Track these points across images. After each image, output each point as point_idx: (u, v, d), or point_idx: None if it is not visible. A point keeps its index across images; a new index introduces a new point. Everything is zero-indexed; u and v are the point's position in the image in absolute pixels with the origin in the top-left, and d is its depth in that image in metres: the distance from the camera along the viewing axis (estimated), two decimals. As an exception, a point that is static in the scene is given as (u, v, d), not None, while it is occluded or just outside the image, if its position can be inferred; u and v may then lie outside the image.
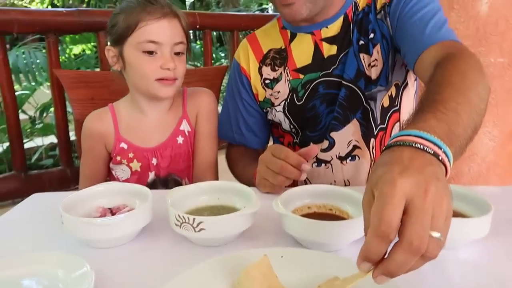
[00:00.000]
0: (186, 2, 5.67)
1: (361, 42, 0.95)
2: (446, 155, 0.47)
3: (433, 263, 0.54)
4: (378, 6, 0.95)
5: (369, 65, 0.95)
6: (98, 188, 0.74)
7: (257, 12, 10.44)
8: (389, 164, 0.44)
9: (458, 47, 0.77)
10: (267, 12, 11.49)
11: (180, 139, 1.06)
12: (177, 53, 0.97)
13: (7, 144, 2.24)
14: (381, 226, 0.39)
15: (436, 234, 0.40)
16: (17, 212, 0.81)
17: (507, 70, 1.45)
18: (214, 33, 4.45)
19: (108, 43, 1.00)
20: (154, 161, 1.05)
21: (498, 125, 1.51)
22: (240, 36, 2.39)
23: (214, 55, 4.79)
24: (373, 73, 0.95)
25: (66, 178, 1.85)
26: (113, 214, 0.70)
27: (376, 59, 0.95)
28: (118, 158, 1.04)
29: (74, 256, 0.56)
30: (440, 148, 0.47)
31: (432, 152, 0.46)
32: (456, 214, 0.64)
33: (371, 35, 0.95)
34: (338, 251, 0.61)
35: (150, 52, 0.93)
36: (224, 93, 1.27)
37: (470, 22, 1.43)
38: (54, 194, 0.89)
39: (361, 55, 0.95)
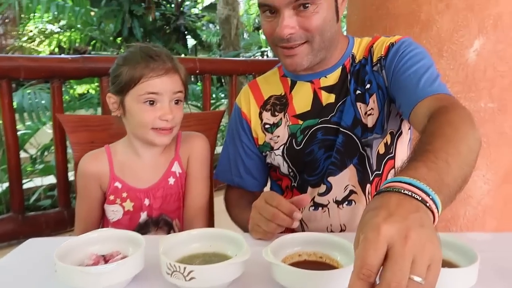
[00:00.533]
0: (188, 45, 5.87)
1: (358, 91, 1.00)
2: (434, 202, 0.49)
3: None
4: (375, 59, 1.00)
5: (365, 113, 0.99)
6: (92, 235, 0.75)
7: (257, 55, 10.78)
8: (376, 209, 0.47)
9: (451, 100, 0.82)
10: (267, 54, 11.88)
11: (171, 180, 1.09)
12: (175, 102, 1.02)
13: (6, 184, 2.25)
14: (363, 269, 0.43)
15: (417, 279, 0.42)
16: (13, 258, 0.81)
17: (497, 115, 1.49)
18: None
19: (110, 91, 1.05)
20: (146, 201, 1.07)
21: (492, 168, 1.53)
22: (241, 79, 2.47)
23: (214, 95, 4.91)
24: (370, 121, 0.99)
25: (63, 220, 1.85)
26: (106, 261, 0.70)
27: (372, 108, 0.99)
28: (112, 197, 1.06)
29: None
30: (428, 195, 0.49)
31: (420, 199, 0.48)
32: (443, 263, 0.65)
33: (368, 86, 1.00)
34: (327, 300, 0.62)
35: (151, 102, 0.98)
36: (221, 136, 1.30)
37: (459, 69, 1.49)
38: (50, 239, 0.90)
39: (358, 104, 1.00)
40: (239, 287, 0.66)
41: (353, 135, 0.99)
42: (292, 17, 0.90)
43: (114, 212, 1.07)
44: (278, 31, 0.91)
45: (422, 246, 0.43)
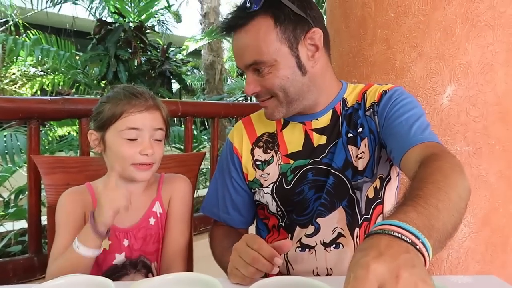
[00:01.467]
0: (173, 89, 5.96)
1: (350, 134, 1.03)
2: (424, 246, 0.49)
3: None
4: (367, 104, 1.04)
5: (356, 156, 1.01)
6: (59, 281, 0.71)
7: (240, 99, 11.00)
8: (366, 249, 0.47)
9: (441, 148, 0.84)
10: (250, 98, 12.11)
11: (152, 220, 1.08)
12: (156, 140, 1.03)
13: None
14: None
15: None
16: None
17: (472, 158, 1.52)
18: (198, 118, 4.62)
19: (91, 127, 1.06)
20: (125, 242, 1.04)
21: (471, 211, 1.54)
22: (224, 122, 2.49)
23: (198, 138, 4.93)
24: (360, 165, 1.00)
25: (33, 267, 1.75)
26: (72, 310, 0.66)
27: (363, 152, 1.01)
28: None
29: None
30: (418, 238, 0.49)
31: (410, 241, 0.49)
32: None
33: (360, 129, 1.02)
34: None
35: (131, 139, 0.99)
36: (203, 179, 1.30)
37: (434, 113, 1.54)
38: (15, 287, 0.85)
39: (349, 147, 1.02)
40: (214, 337, 0.62)
41: (343, 177, 1.00)
42: (253, 77, 0.98)
43: None
44: (245, 89, 1.00)
45: (414, 285, 0.42)
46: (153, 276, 1.07)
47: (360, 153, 1.01)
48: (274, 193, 1.06)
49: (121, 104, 1.00)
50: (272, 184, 1.06)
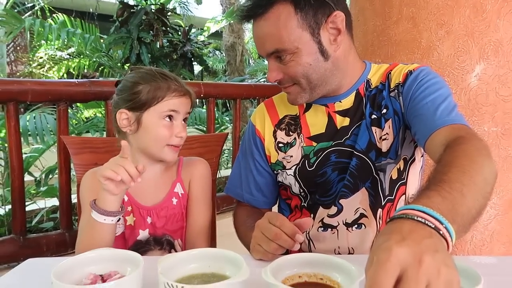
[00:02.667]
0: (194, 71, 5.98)
1: (374, 116, 1.01)
2: (448, 231, 0.49)
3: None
4: (392, 85, 1.02)
5: (380, 138, 1.00)
6: (90, 255, 0.74)
7: (262, 80, 10.93)
8: (389, 234, 0.47)
9: (467, 131, 0.82)
10: (272, 80, 11.99)
11: (174, 201, 1.12)
12: (184, 120, 1.09)
13: (9, 206, 2.26)
14: None
15: None
16: (11, 278, 0.81)
17: (501, 139, 1.48)
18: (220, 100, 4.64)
19: (122, 107, 1.06)
20: (149, 219, 1.09)
21: (498, 193, 1.51)
22: (246, 103, 2.50)
23: (220, 120, 4.96)
24: (384, 146, 0.99)
25: (65, 242, 1.84)
26: (104, 281, 0.69)
27: (387, 133, 1.00)
28: (129, 208, 1.08)
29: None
30: (441, 223, 0.49)
31: (433, 226, 0.48)
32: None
33: (384, 110, 1.01)
34: (328, 323, 0.60)
35: (170, 118, 1.05)
36: (225, 160, 1.32)
37: (461, 93, 1.50)
38: (49, 259, 0.90)
39: (373, 128, 1.00)
40: (238, 308, 0.65)
41: (367, 159, 0.99)
42: (274, 65, 0.97)
43: (118, 225, 1.07)
44: (267, 77, 1.00)
45: (437, 270, 0.42)
46: (176, 252, 1.11)
47: (384, 135, 0.99)
48: (297, 175, 1.06)
49: (162, 87, 1.04)
50: (295, 166, 1.06)
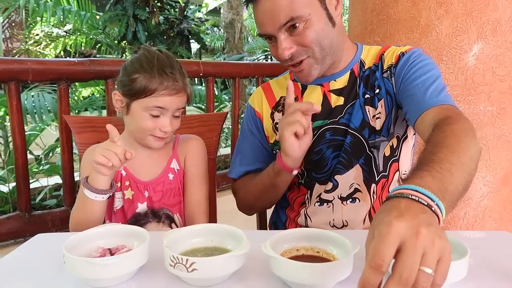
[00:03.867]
0: (192, 49, 5.92)
1: (367, 95, 1.04)
2: (439, 207, 0.54)
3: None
4: (385, 66, 1.05)
5: (373, 116, 1.04)
6: (99, 230, 0.78)
7: (261, 58, 10.83)
8: (388, 210, 0.51)
9: (455, 111, 0.86)
10: (270, 57, 11.92)
11: (171, 176, 1.16)
12: (175, 116, 1.09)
13: (12, 184, 2.29)
14: (375, 259, 0.46)
15: (427, 270, 0.46)
16: (21, 252, 0.84)
17: (496, 118, 1.51)
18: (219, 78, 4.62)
19: (118, 89, 1.09)
20: (146, 193, 1.13)
21: (491, 171, 1.55)
22: (244, 82, 2.50)
23: (219, 98, 4.95)
24: (377, 124, 1.03)
25: (69, 219, 1.88)
26: (112, 254, 0.73)
27: (380, 112, 1.04)
28: (118, 184, 1.12)
29: (73, 294, 0.59)
30: (433, 201, 0.54)
31: (426, 204, 0.53)
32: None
33: (377, 90, 1.04)
34: (323, 292, 0.64)
35: (155, 115, 1.05)
36: (224, 137, 1.34)
37: (458, 73, 1.51)
38: (57, 234, 0.94)
39: (367, 107, 1.04)
40: (239, 279, 0.69)
41: (360, 137, 1.03)
42: (287, 38, 0.96)
43: (117, 199, 1.13)
44: (280, 54, 0.97)
45: (432, 241, 0.47)
46: (177, 226, 1.17)
47: (377, 113, 1.03)
48: None
49: (154, 82, 1.02)
50: None
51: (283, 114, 1.11)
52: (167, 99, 1.04)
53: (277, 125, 1.12)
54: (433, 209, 0.53)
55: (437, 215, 0.53)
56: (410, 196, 0.53)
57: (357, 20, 1.74)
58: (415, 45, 1.55)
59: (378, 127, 1.03)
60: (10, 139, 2.83)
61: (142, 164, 1.14)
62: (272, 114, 1.14)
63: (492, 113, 1.51)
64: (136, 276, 0.71)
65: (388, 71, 1.04)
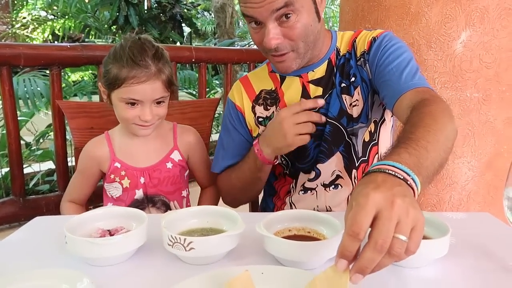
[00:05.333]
0: (184, 34, 5.87)
1: (343, 84, 1.06)
2: (414, 181, 0.58)
3: (397, 280, 0.62)
4: (358, 54, 1.06)
5: (350, 104, 1.05)
6: (98, 212, 0.81)
7: (252, 43, 10.73)
8: (365, 183, 0.55)
9: (431, 93, 0.89)
10: (262, 42, 11.80)
11: (169, 165, 1.19)
12: (158, 103, 1.09)
13: (5, 169, 2.29)
14: (353, 227, 0.50)
15: (402, 237, 0.49)
16: (22, 234, 0.87)
17: (482, 104, 1.55)
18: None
19: (101, 80, 1.12)
20: (142, 180, 1.17)
21: (476, 156, 1.60)
22: (236, 67, 2.51)
23: (210, 83, 4.94)
24: (355, 112, 1.05)
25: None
26: (111, 235, 0.76)
27: (357, 99, 1.05)
28: (112, 176, 1.16)
29: (77, 271, 0.62)
30: (408, 175, 0.57)
31: (402, 178, 0.57)
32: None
33: (353, 79, 1.05)
34: (314, 269, 0.68)
35: (132, 104, 1.06)
36: (216, 124, 1.36)
37: (447, 60, 1.54)
38: (55, 217, 0.96)
39: (343, 96, 1.05)
40: (234, 257, 0.73)
41: (339, 125, 1.05)
42: (276, 28, 0.92)
43: (116, 188, 1.17)
44: (266, 42, 0.94)
45: (406, 210, 0.50)
46: None
47: (354, 101, 1.05)
48: None
49: (124, 71, 1.02)
50: None
51: (264, 108, 1.12)
52: (138, 87, 1.03)
53: (259, 119, 1.13)
54: (408, 182, 0.57)
55: (413, 189, 0.57)
56: (387, 171, 0.57)
57: (349, 6, 1.76)
58: (405, 32, 1.58)
59: (355, 115, 1.05)
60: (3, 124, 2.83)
61: (137, 151, 1.17)
62: (253, 107, 1.14)
63: (478, 99, 1.55)
64: (135, 256, 0.74)
65: (362, 59, 1.05)
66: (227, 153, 1.18)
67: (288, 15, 0.91)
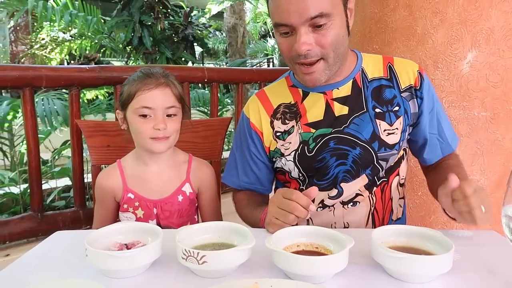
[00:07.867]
0: (196, 53, 6.01)
1: (378, 109, 1.06)
2: None
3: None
4: (402, 85, 1.08)
5: (384, 130, 1.06)
6: (116, 227, 0.85)
7: (264, 61, 10.89)
8: (470, 181, 0.85)
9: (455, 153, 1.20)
10: (272, 61, 12.00)
11: (180, 198, 1.21)
12: (169, 115, 1.14)
13: (23, 186, 2.36)
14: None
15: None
16: (44, 247, 0.91)
17: (489, 123, 1.57)
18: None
19: (117, 107, 1.20)
20: (155, 210, 1.20)
21: (485, 174, 1.60)
22: (247, 86, 2.57)
23: (221, 101, 5.02)
24: (390, 140, 1.07)
25: (79, 219, 1.96)
26: (128, 248, 0.80)
27: (397, 128, 1.07)
28: (125, 206, 1.19)
29: (96, 282, 0.66)
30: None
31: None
32: (422, 252, 0.74)
33: (396, 108, 1.07)
34: (321, 283, 0.71)
35: (144, 115, 1.11)
36: (227, 141, 1.40)
37: (453, 79, 1.57)
38: (75, 232, 1.00)
39: (378, 121, 1.06)
40: (245, 270, 0.76)
41: (370, 149, 1.06)
42: (308, 34, 0.93)
43: (128, 218, 1.20)
44: (296, 47, 0.94)
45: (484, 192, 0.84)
46: None
47: (393, 129, 1.06)
48: (296, 160, 1.09)
49: (135, 84, 1.12)
50: (294, 152, 1.09)
51: (282, 122, 1.11)
52: (148, 95, 1.10)
53: (277, 133, 1.12)
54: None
55: None
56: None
57: (356, 28, 1.81)
58: (412, 53, 1.62)
59: (391, 142, 1.06)
60: (16, 142, 2.92)
61: (151, 181, 1.20)
62: (272, 122, 1.13)
63: (486, 118, 1.56)
64: (151, 268, 0.78)
65: (409, 92, 1.08)
66: (241, 170, 1.19)
67: (321, 24, 0.93)
